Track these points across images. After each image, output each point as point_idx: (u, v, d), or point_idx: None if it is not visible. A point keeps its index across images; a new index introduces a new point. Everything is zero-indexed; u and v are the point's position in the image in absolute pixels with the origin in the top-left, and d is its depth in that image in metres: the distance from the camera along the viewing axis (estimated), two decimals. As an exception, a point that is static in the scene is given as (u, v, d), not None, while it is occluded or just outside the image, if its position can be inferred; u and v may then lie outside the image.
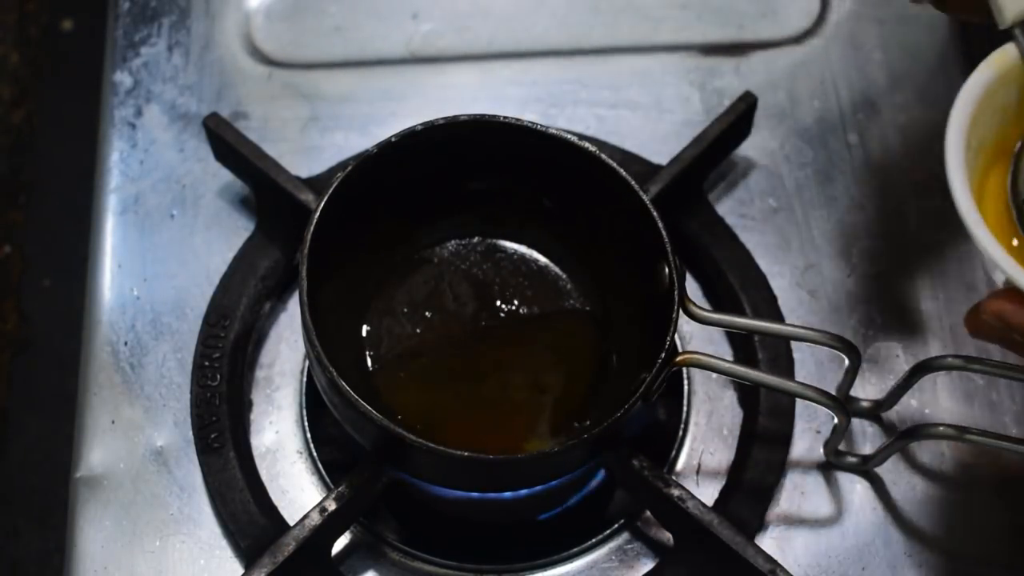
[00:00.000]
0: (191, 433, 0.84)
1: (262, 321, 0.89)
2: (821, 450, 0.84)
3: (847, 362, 0.81)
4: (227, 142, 0.89)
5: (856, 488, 0.84)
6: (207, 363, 0.86)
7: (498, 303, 0.86)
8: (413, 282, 0.86)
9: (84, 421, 0.85)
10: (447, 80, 0.98)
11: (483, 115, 0.81)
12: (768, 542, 0.80)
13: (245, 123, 0.95)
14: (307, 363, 0.88)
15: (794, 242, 0.92)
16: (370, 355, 0.84)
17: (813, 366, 0.87)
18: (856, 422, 0.85)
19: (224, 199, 0.93)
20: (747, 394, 0.87)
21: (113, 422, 0.85)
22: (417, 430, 0.73)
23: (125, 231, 0.92)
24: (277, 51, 0.99)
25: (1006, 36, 0.71)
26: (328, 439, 0.86)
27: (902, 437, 0.80)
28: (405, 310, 0.85)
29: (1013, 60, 0.70)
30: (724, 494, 0.84)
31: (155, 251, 0.91)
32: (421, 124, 0.80)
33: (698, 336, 0.89)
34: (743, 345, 0.88)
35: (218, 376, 0.86)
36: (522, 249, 0.88)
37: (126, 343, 0.88)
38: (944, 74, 0.98)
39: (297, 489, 0.85)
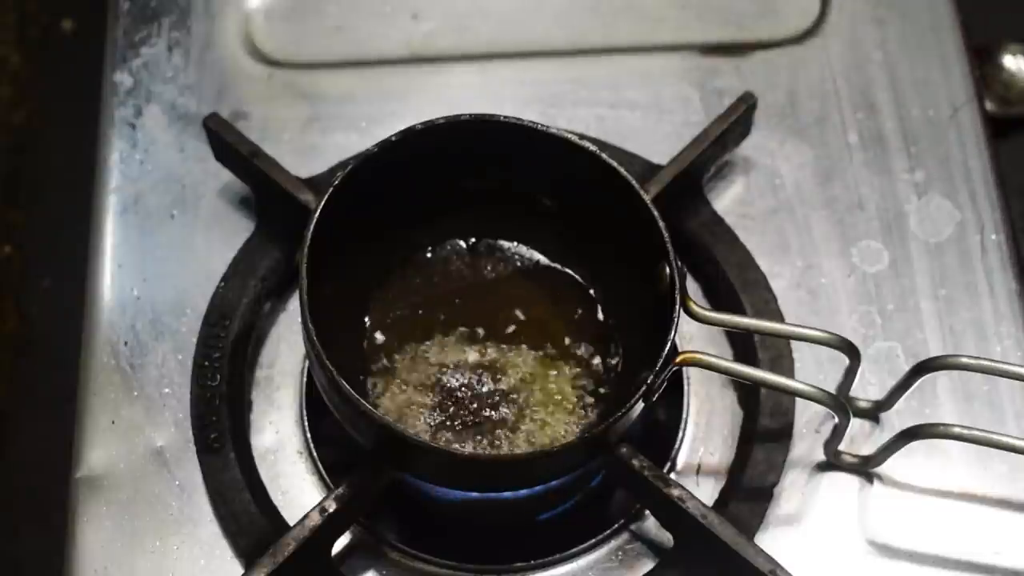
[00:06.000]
0: (191, 433, 0.84)
1: (262, 321, 0.89)
2: (821, 450, 0.84)
3: (847, 362, 0.81)
4: (227, 142, 0.89)
5: (856, 488, 0.84)
6: (207, 363, 0.86)
7: (498, 303, 0.86)
8: (413, 282, 0.86)
9: (84, 421, 0.85)
10: (447, 80, 0.98)
11: (483, 115, 0.81)
12: (768, 542, 0.80)
13: (245, 123, 0.95)
14: (307, 363, 0.88)
15: (794, 242, 0.92)
16: (370, 354, 0.84)
17: (813, 366, 0.87)
18: (856, 422, 0.85)
19: (224, 199, 0.93)
20: (747, 394, 0.87)
21: (113, 422, 0.85)
22: (417, 429, 0.74)
23: (125, 231, 0.92)
24: (277, 51, 0.99)
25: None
26: (328, 439, 0.86)
27: (902, 437, 0.80)
28: (405, 309, 0.85)
29: None
30: (724, 494, 0.84)
31: (155, 251, 0.91)
32: (421, 124, 0.80)
33: (698, 336, 0.89)
34: (743, 345, 0.88)
35: (218, 376, 0.86)
36: (522, 249, 0.88)
37: (126, 343, 0.88)
38: (944, 74, 0.98)
39: (297, 489, 0.85)
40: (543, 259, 0.88)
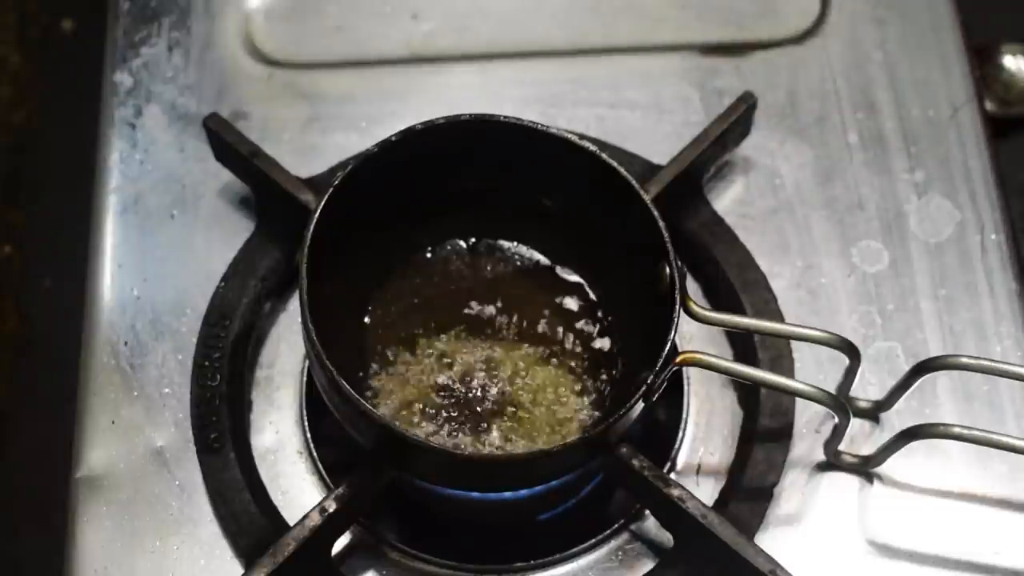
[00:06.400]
0: (191, 433, 0.84)
1: (262, 321, 0.89)
2: (821, 450, 0.84)
3: (847, 362, 0.81)
4: (227, 142, 0.89)
5: (856, 488, 0.84)
6: (207, 363, 0.86)
7: (498, 303, 0.86)
8: (413, 282, 0.86)
9: (84, 421, 0.85)
10: (447, 80, 0.98)
11: (483, 115, 0.81)
12: (768, 542, 0.80)
13: (245, 123, 0.95)
14: (307, 363, 0.88)
15: (794, 242, 0.92)
16: (370, 354, 0.84)
17: (813, 366, 0.87)
18: (856, 422, 0.85)
19: (224, 199, 0.93)
20: (747, 394, 0.87)
21: (113, 422, 0.85)
22: (417, 429, 0.74)
23: (125, 231, 0.92)
24: (277, 51, 0.99)
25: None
26: (328, 439, 0.86)
27: (902, 437, 0.80)
28: (405, 309, 0.85)
29: None
30: (724, 494, 0.84)
31: (155, 251, 0.91)
32: (421, 124, 0.80)
33: (698, 336, 0.89)
34: (743, 345, 0.88)
35: (218, 376, 0.86)
36: (522, 249, 0.88)
37: (126, 343, 0.88)
38: (944, 74, 0.98)
39: (297, 489, 0.85)
40: (543, 259, 0.88)
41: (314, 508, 0.77)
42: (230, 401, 0.85)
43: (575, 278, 0.87)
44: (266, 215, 0.91)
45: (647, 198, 0.79)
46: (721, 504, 0.83)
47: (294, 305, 0.90)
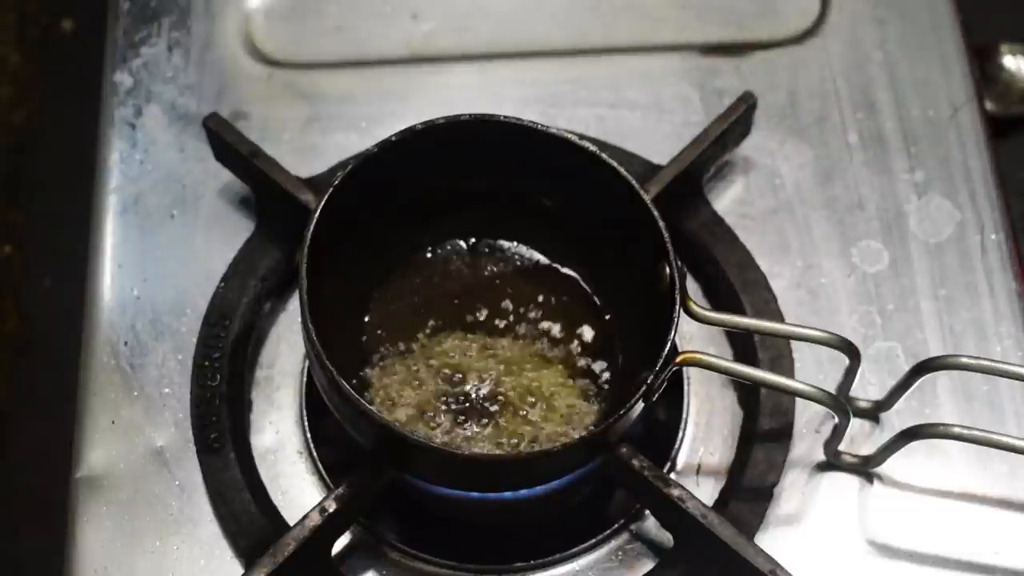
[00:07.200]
0: (191, 433, 0.84)
1: (262, 321, 0.89)
2: (821, 450, 0.84)
3: (847, 362, 0.81)
4: (227, 142, 0.89)
5: (856, 488, 0.84)
6: (207, 363, 0.86)
7: (498, 303, 0.86)
8: (413, 282, 0.86)
9: (84, 421, 0.85)
10: (447, 80, 0.98)
11: (483, 115, 0.81)
12: (768, 542, 0.80)
13: (245, 123, 0.95)
14: (307, 363, 0.88)
15: (794, 242, 0.92)
16: (370, 354, 0.84)
17: (813, 366, 0.87)
18: (856, 422, 0.85)
19: (224, 199, 0.93)
20: (747, 394, 0.87)
21: (113, 422, 0.85)
22: (417, 429, 0.74)
23: (125, 231, 0.92)
24: (277, 51, 0.99)
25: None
26: (328, 439, 0.86)
27: (902, 437, 0.80)
28: (405, 309, 0.85)
29: None
30: (724, 494, 0.84)
31: (155, 251, 0.91)
32: (421, 123, 0.80)
33: (698, 336, 0.89)
34: (743, 345, 0.88)
35: (218, 376, 0.86)
36: (522, 249, 0.88)
37: (126, 343, 0.88)
38: (944, 74, 0.98)
39: (297, 489, 0.85)
40: (543, 259, 0.88)
41: (314, 508, 0.77)
42: (230, 401, 0.85)
43: (575, 278, 0.87)
44: (266, 215, 0.91)
45: (647, 198, 0.79)
46: (721, 504, 0.83)
47: (294, 305, 0.90)
